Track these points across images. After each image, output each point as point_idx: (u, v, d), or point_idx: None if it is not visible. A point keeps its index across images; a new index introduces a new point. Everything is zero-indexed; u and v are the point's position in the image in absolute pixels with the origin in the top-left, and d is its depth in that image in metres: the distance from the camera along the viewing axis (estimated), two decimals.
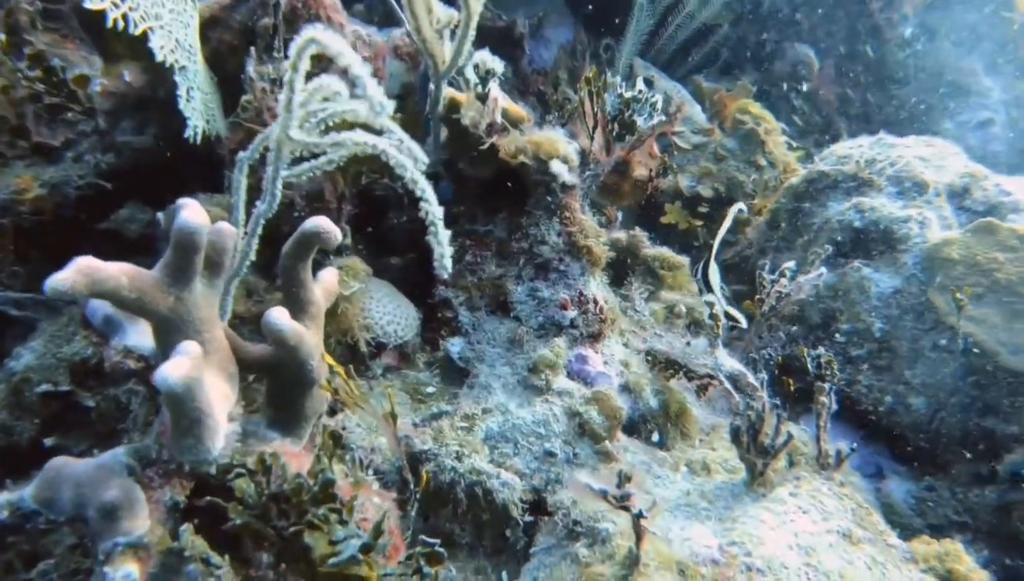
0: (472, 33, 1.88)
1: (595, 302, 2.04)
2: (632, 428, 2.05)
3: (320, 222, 1.38)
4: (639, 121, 2.24)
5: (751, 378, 1.99)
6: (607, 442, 1.84)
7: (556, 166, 1.94)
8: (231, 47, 1.90)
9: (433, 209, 1.43)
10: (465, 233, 2.09)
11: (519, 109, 2.09)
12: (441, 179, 2.12)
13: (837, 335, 2.52)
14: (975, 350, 2.25)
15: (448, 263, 1.46)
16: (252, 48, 1.80)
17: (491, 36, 2.92)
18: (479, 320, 2.04)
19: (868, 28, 4.71)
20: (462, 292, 2.05)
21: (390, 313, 1.87)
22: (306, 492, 1.14)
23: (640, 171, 3.25)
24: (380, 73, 2.22)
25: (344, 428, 1.74)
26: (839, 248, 2.65)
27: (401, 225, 2.07)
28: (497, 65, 1.90)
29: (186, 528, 1.12)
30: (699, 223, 3.38)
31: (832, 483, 1.87)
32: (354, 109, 1.35)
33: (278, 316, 1.26)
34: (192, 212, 1.10)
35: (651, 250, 2.79)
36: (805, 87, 4.44)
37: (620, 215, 2.96)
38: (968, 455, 2.33)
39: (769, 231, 3.03)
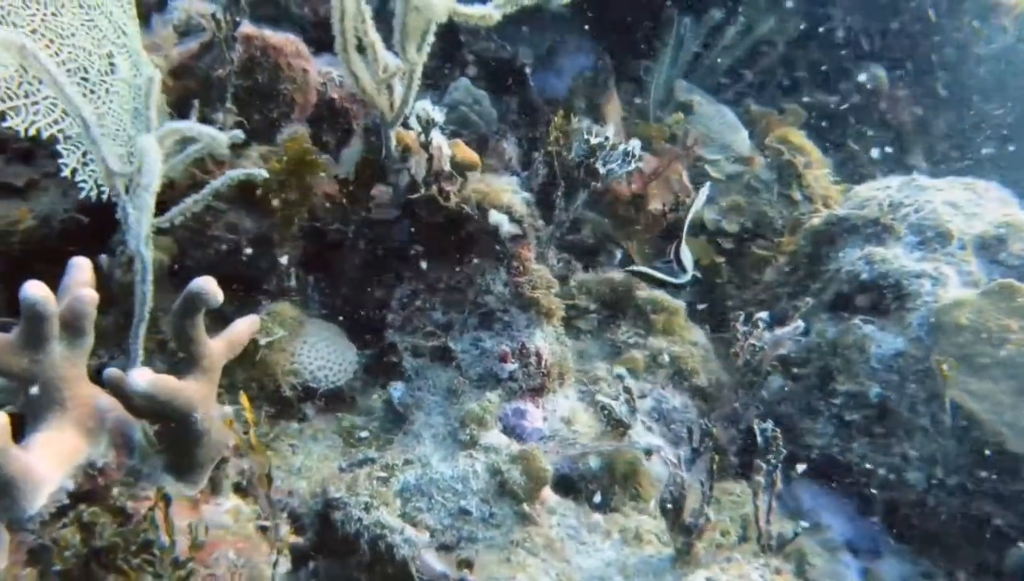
0: (416, 83, 1.88)
1: (538, 355, 1.99)
2: (572, 488, 1.98)
3: (203, 284, 1.43)
4: (601, 169, 2.16)
5: (669, 453, 1.87)
6: (525, 504, 1.79)
7: (495, 217, 1.90)
8: (195, 95, 1.99)
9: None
10: (417, 276, 2.09)
11: (470, 154, 2.06)
12: (401, 219, 2.14)
13: (834, 397, 2.32)
14: (975, 431, 2.01)
15: None
16: (195, 100, 1.89)
17: (491, 68, 2.91)
18: (422, 366, 2.04)
19: (952, 42, 4.29)
20: (409, 337, 2.06)
21: (323, 358, 1.91)
22: (122, 550, 1.19)
23: (655, 204, 3.13)
24: (354, 115, 2.26)
25: None
26: (845, 301, 2.44)
27: (351, 265, 2.11)
28: (437, 115, 1.89)
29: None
30: (721, 259, 3.21)
31: (768, 569, 1.73)
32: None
33: (137, 378, 1.32)
34: (32, 286, 1.18)
35: (646, 293, 2.68)
36: (878, 108, 4.10)
37: (619, 253, 2.86)
38: (970, 541, 2.09)
39: (787, 275, 2.83)
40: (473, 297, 2.03)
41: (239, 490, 1.76)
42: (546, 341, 2.05)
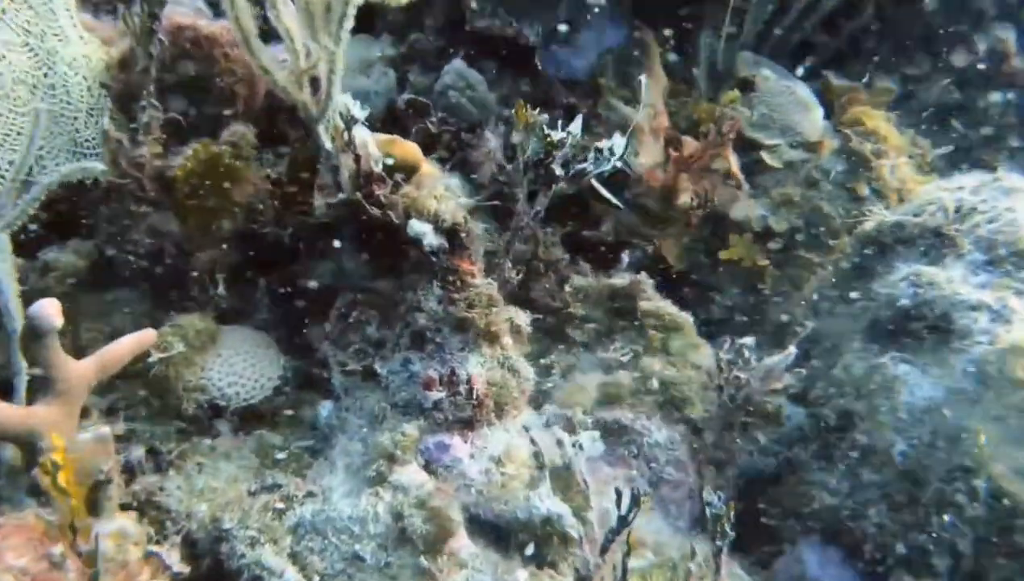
0: (337, 74, 1.68)
1: (469, 383, 1.76)
2: (502, 537, 1.75)
3: (38, 309, 1.34)
4: (559, 170, 1.84)
5: (567, 524, 1.58)
6: (424, 557, 1.58)
7: (415, 227, 1.67)
8: (140, 88, 1.89)
9: None
10: (358, 287, 1.91)
11: (411, 152, 1.83)
12: (346, 224, 1.96)
13: (853, 449, 1.91)
14: (1019, 520, 1.56)
15: None
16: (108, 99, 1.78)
17: (497, 47, 2.63)
18: (352, 385, 1.87)
19: None
20: (342, 352, 1.89)
21: (236, 373, 1.78)
22: None
23: (684, 198, 2.75)
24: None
25: (161, 489, 1.71)
26: (883, 330, 1.99)
27: (296, 272, 1.96)
28: (357, 111, 1.67)
29: None
30: (764, 263, 2.78)
31: None
32: None
33: None
34: None
35: (650, 303, 2.35)
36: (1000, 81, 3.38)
37: (626, 258, 2.52)
38: None
39: (829, 287, 2.38)
40: (404, 313, 1.82)
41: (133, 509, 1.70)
42: (483, 367, 1.81)
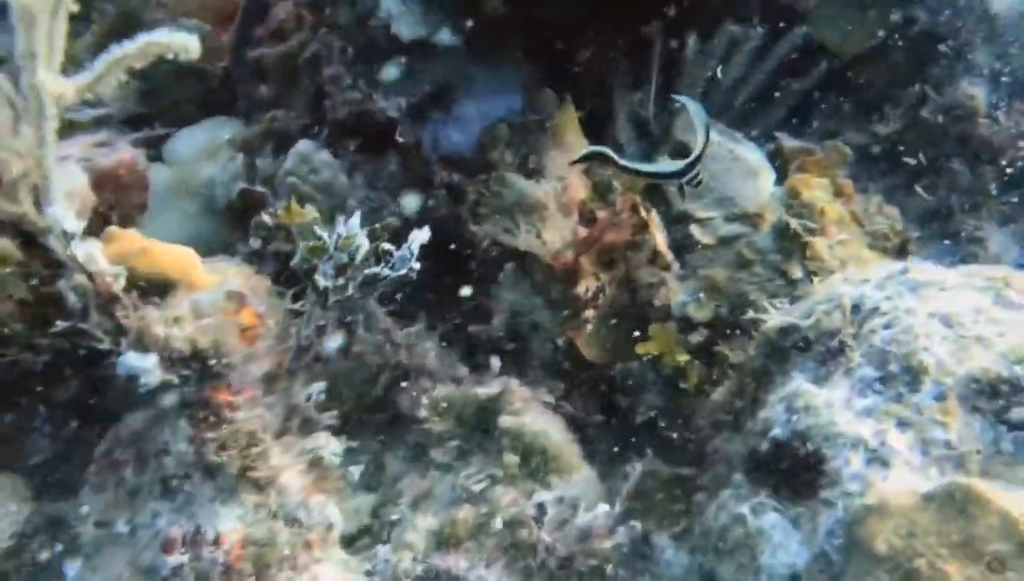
0: (52, 183, 1.46)
1: (216, 543, 1.46)
2: None
3: None
4: (323, 281, 1.55)
5: None
6: None
7: (130, 362, 1.41)
8: None
9: None
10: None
11: (171, 264, 1.59)
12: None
13: None
14: None
15: None
16: None
17: (364, 122, 2.39)
18: (103, 541, 1.59)
19: None
20: (96, 499, 1.62)
21: None
22: None
23: (587, 282, 2.42)
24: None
25: None
26: (757, 464, 1.59)
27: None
28: (70, 222, 1.44)
29: None
30: (684, 358, 2.39)
31: None
32: None
33: None
34: None
35: (512, 420, 2.01)
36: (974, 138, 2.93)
37: (496, 363, 2.19)
38: None
39: (732, 397, 1.98)
40: (153, 454, 1.55)
41: None
42: (244, 521, 1.51)
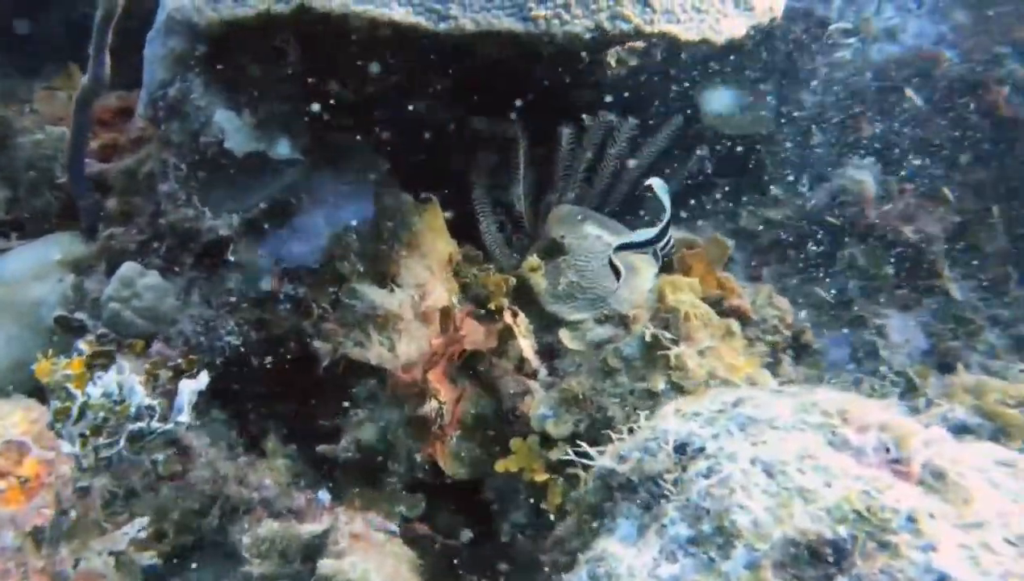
0: None
1: None
2: None
3: None
4: (67, 447, 1.37)
5: None
6: None
7: None
8: None
9: None
10: None
11: None
12: None
13: None
14: None
15: None
16: None
17: (196, 245, 2.24)
18: None
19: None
20: None
21: None
22: None
23: (429, 403, 2.25)
24: None
25: None
26: None
27: None
28: None
29: None
30: (544, 476, 2.22)
31: None
32: None
33: None
34: None
35: (333, 564, 1.80)
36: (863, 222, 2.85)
37: (324, 495, 1.99)
38: None
39: (571, 535, 1.80)
40: None
41: None
42: None
